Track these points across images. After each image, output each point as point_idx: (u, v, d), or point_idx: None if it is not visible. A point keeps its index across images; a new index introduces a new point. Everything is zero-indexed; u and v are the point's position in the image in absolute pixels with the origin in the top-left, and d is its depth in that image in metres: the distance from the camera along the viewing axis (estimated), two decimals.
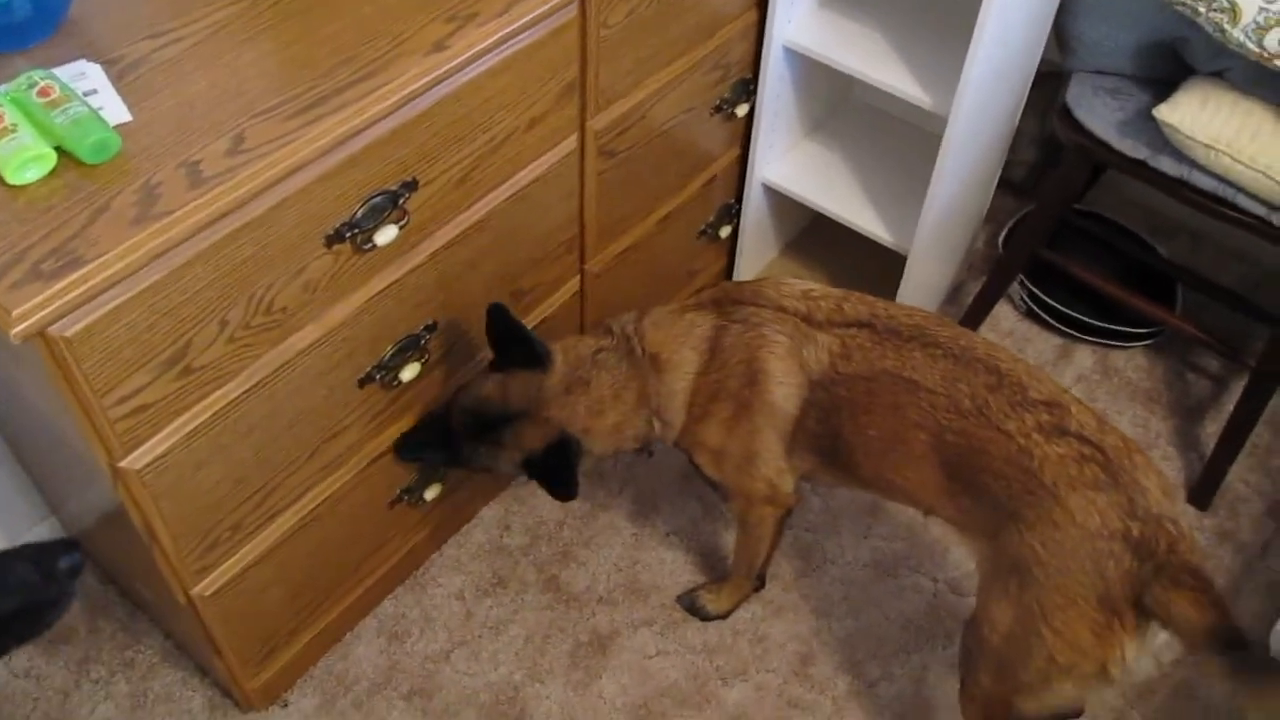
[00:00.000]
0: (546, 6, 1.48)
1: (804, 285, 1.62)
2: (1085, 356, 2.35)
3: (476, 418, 1.61)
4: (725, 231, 2.25)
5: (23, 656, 1.84)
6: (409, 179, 1.44)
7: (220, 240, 1.24)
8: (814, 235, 2.46)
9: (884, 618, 1.95)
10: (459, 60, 1.38)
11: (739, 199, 2.23)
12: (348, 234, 1.39)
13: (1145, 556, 1.35)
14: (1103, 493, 1.37)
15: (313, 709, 1.81)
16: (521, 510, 2.06)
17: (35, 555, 1.10)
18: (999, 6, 1.70)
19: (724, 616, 1.93)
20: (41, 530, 1.93)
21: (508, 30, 1.43)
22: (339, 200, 1.36)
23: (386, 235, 1.43)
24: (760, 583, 1.93)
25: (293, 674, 1.83)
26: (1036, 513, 1.40)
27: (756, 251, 2.36)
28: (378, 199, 1.41)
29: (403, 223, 1.45)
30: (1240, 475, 2.16)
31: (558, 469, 1.57)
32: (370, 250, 1.43)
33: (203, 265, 1.24)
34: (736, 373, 1.58)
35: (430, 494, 1.84)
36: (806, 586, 1.98)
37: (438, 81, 1.38)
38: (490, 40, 1.41)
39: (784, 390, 1.56)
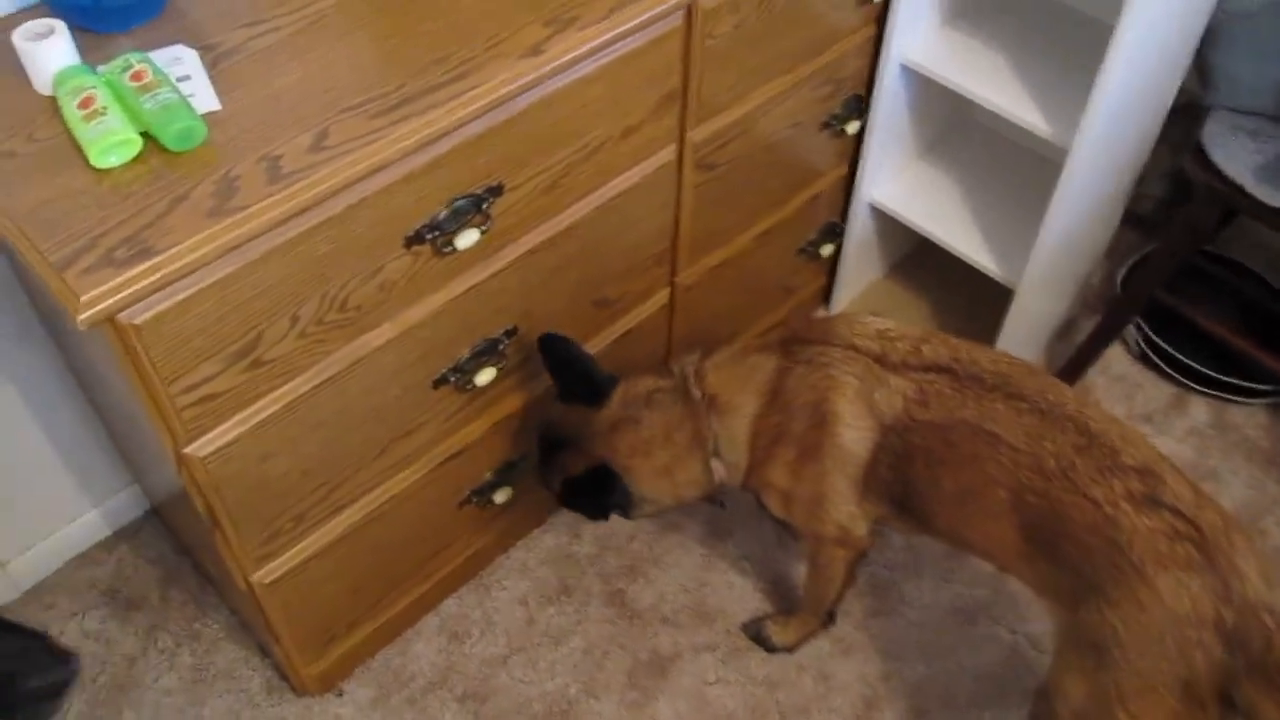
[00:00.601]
0: (650, 14, 1.43)
1: (880, 324, 1.54)
2: (1200, 409, 2.21)
3: (543, 445, 1.66)
4: (827, 250, 2.18)
5: (95, 619, 1.88)
6: (495, 184, 1.41)
7: (295, 237, 1.23)
8: (920, 260, 2.37)
9: (957, 667, 1.86)
10: (553, 66, 1.35)
11: (843, 218, 2.16)
12: (428, 236, 1.37)
13: (1238, 649, 1.24)
14: (1196, 575, 1.27)
15: (367, 701, 1.81)
16: None
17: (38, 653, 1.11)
18: (1134, 35, 1.60)
19: (790, 650, 1.86)
20: (124, 496, 1.96)
21: (607, 37, 1.39)
22: (421, 201, 1.34)
23: (468, 239, 1.41)
24: (830, 619, 1.87)
25: (350, 664, 1.83)
26: (1121, 590, 1.30)
27: (859, 272, 2.28)
28: (461, 202, 1.38)
29: (485, 227, 1.42)
30: None
31: (588, 492, 1.58)
32: (451, 253, 1.41)
33: (277, 260, 1.23)
34: (802, 415, 1.52)
35: (500, 497, 1.82)
36: (879, 627, 1.91)
37: (530, 87, 1.34)
38: (588, 46, 1.37)
39: (853, 434, 1.49)
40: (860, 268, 2.28)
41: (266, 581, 1.54)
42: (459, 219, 1.39)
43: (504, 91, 1.32)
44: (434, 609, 1.91)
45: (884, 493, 1.53)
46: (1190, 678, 1.26)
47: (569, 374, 1.60)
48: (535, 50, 1.35)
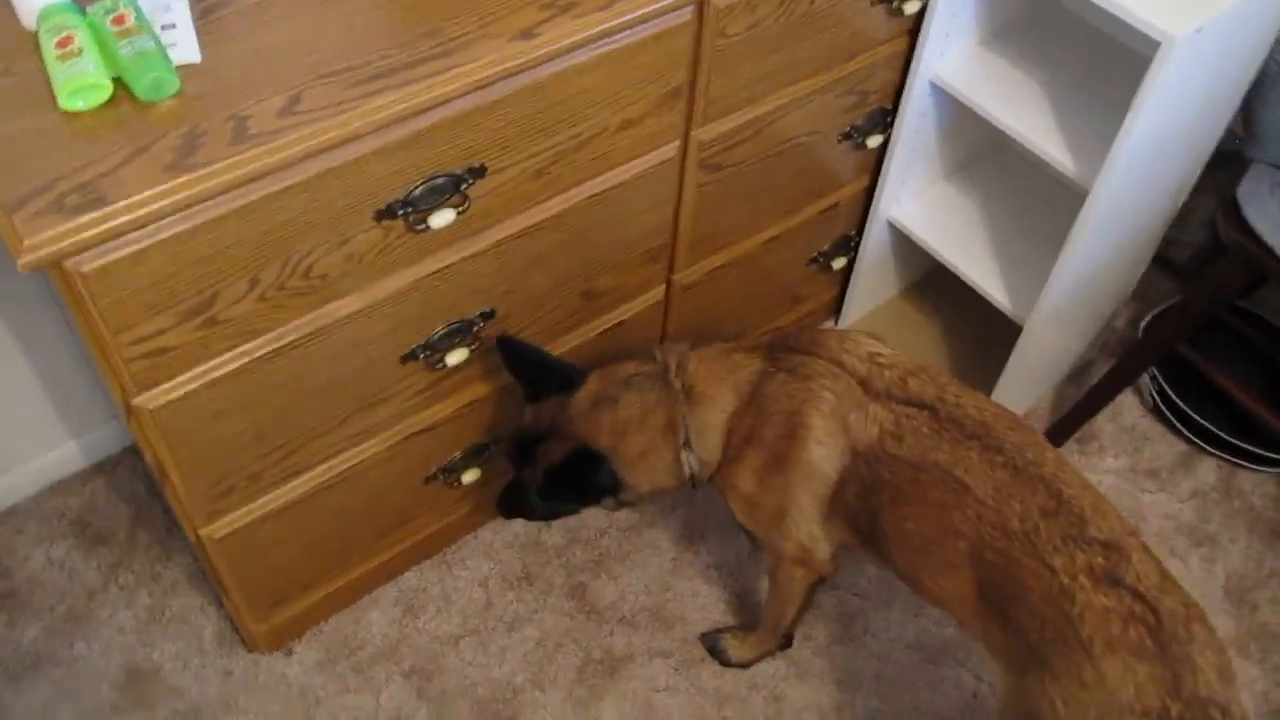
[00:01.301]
0: (655, 7, 1.38)
1: (874, 347, 1.49)
2: (1209, 470, 2.13)
3: (519, 448, 1.62)
4: (840, 263, 2.12)
5: (62, 548, 1.89)
6: (477, 165, 1.37)
7: (257, 200, 1.20)
8: (937, 283, 2.30)
9: (914, 707, 1.82)
10: (543, 52, 1.31)
11: (860, 232, 2.10)
12: (400, 211, 1.34)
13: None
14: (1145, 662, 1.22)
15: (314, 663, 1.81)
16: None
17: None
18: (1173, 75, 1.51)
19: (745, 666, 1.83)
20: (105, 431, 1.98)
21: (606, 27, 1.35)
22: (395, 176, 1.31)
23: (443, 219, 1.38)
24: (787, 642, 1.83)
25: (302, 625, 1.83)
26: (1064, 665, 1.25)
27: (872, 289, 2.23)
28: (440, 180, 1.35)
29: (463, 208, 1.39)
30: None
31: (571, 479, 1.55)
32: (424, 231, 1.38)
33: (236, 222, 1.21)
34: (775, 422, 1.48)
35: (469, 477, 1.80)
36: (839, 655, 1.86)
37: (517, 71, 1.30)
38: (582, 35, 1.33)
39: (823, 450, 1.45)
40: (874, 284, 2.22)
41: (216, 537, 1.54)
42: (435, 197, 1.36)
43: (489, 73, 1.28)
44: (394, 580, 1.90)
45: (850, 520, 1.49)
46: None
47: (534, 370, 1.58)
48: (528, 34, 1.31)
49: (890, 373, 1.45)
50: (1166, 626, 1.23)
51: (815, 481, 1.47)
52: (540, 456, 1.58)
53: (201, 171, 1.14)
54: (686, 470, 1.55)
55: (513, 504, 1.68)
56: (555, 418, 1.58)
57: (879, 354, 1.48)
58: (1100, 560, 1.27)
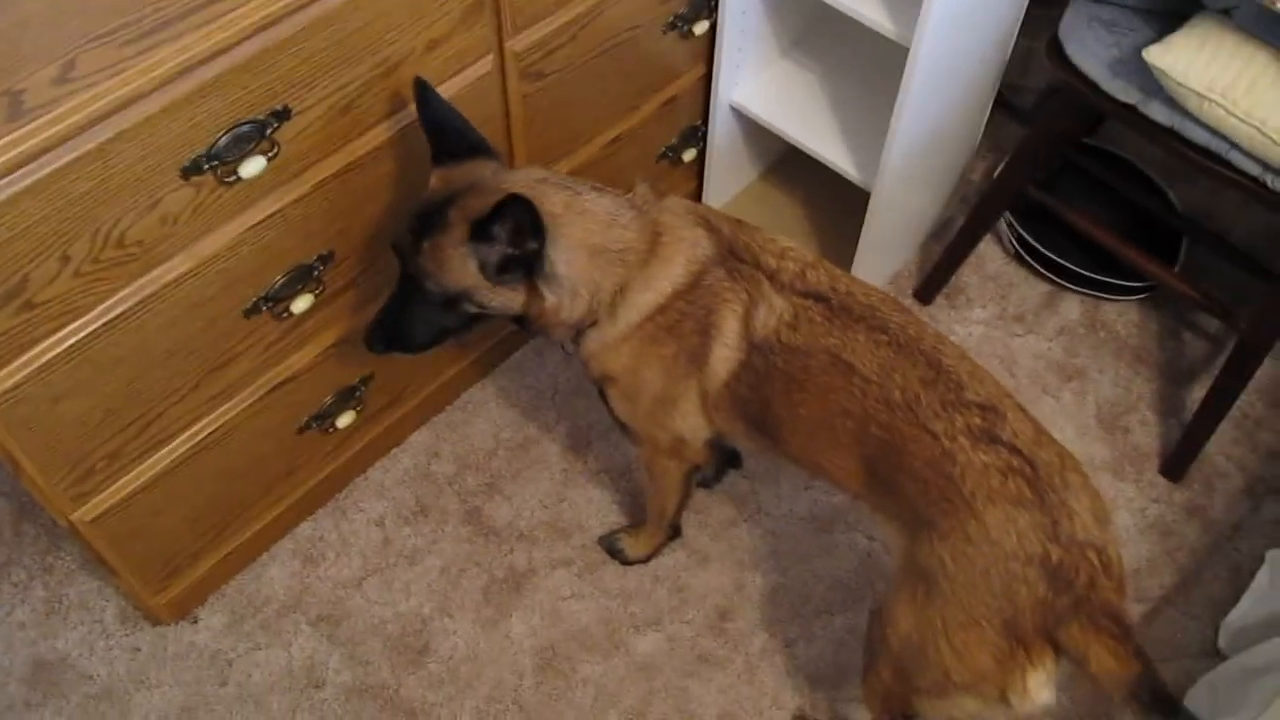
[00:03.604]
0: None
1: (786, 243, 1.48)
2: (1073, 306, 2.20)
3: (420, 218, 1.39)
4: (690, 155, 2.12)
5: None
6: (279, 107, 1.34)
7: (47, 176, 1.17)
8: (793, 162, 2.30)
9: (812, 575, 1.88)
10: None
11: (705, 121, 2.09)
12: (207, 166, 1.31)
13: (1062, 587, 1.24)
14: (1025, 511, 1.26)
15: (222, 627, 1.81)
16: (453, 438, 2.01)
17: None
18: None
19: (644, 561, 1.87)
20: None
21: None
22: (193, 130, 1.27)
23: (253, 167, 1.35)
24: (676, 532, 1.87)
25: (204, 591, 1.83)
26: (950, 523, 1.29)
27: (729, 176, 2.23)
28: (244, 128, 1.32)
29: (272, 154, 1.36)
30: (1222, 448, 2.02)
31: (507, 217, 1.32)
32: (236, 182, 1.35)
33: (29, 201, 1.17)
34: (697, 317, 1.45)
35: (344, 421, 1.80)
36: (735, 536, 1.91)
37: (301, 5, 1.27)
38: None
39: (725, 353, 1.45)
40: (730, 172, 2.22)
41: (88, 519, 1.53)
42: (241, 146, 1.33)
43: (272, 9, 1.25)
44: (289, 533, 1.90)
45: (740, 411, 1.51)
46: (1013, 614, 1.26)
47: (447, 127, 1.43)
48: None
49: (794, 265, 1.45)
50: (1043, 476, 1.28)
51: (708, 380, 1.48)
52: (454, 219, 1.37)
53: None
54: (595, 315, 1.46)
55: (390, 328, 1.48)
56: (478, 179, 1.40)
57: (789, 248, 1.48)
58: (978, 421, 1.31)
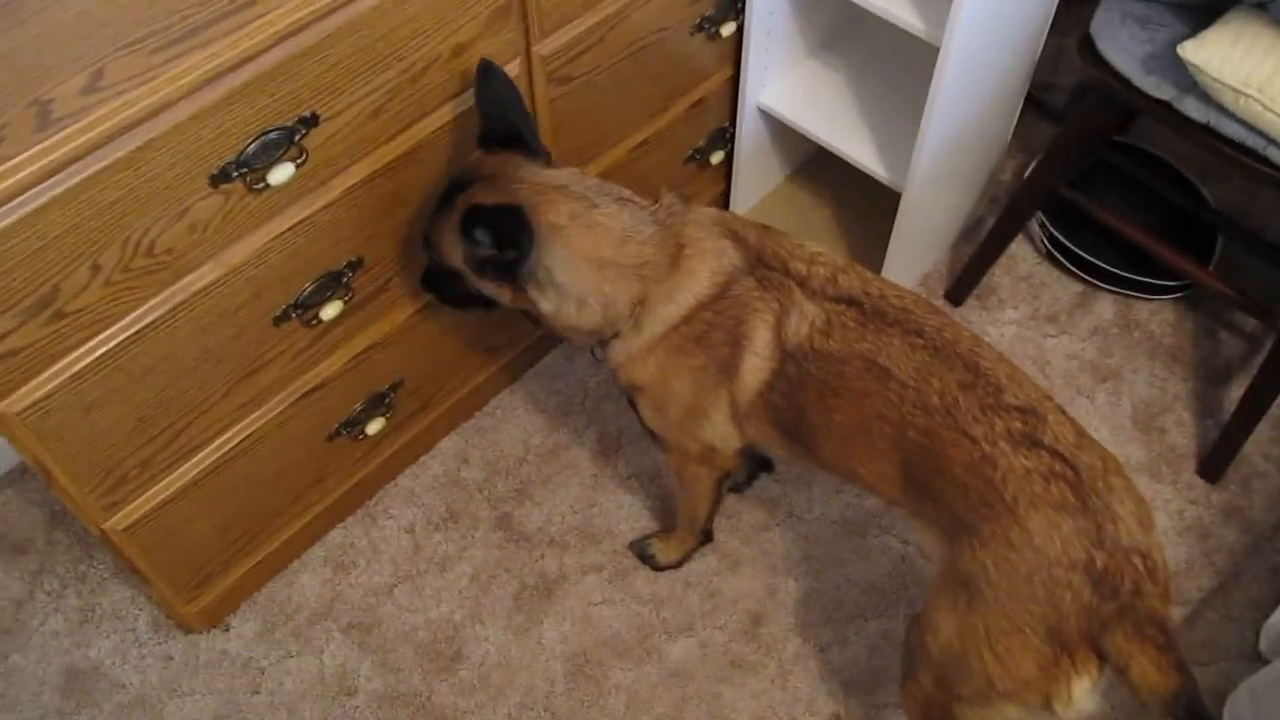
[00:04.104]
0: None
1: (815, 248, 1.47)
2: (1106, 306, 2.17)
3: (448, 187, 1.45)
4: (718, 157, 2.11)
5: None
6: (307, 114, 1.34)
7: (77, 185, 1.17)
8: (822, 163, 2.29)
9: (845, 579, 1.86)
10: None
11: (733, 123, 2.08)
12: (235, 173, 1.31)
13: (1107, 593, 1.22)
14: (1068, 516, 1.24)
15: (253, 635, 1.81)
16: (482, 443, 2.00)
17: None
18: None
19: (675, 567, 1.86)
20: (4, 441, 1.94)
21: None
22: (222, 138, 1.27)
23: (282, 174, 1.35)
24: (707, 537, 1.85)
25: (235, 599, 1.83)
26: (992, 528, 1.27)
27: (757, 178, 2.22)
28: (272, 135, 1.32)
29: (300, 160, 1.36)
30: (1260, 448, 1.99)
31: (491, 223, 1.36)
32: (265, 189, 1.35)
33: (59, 211, 1.17)
34: (727, 327, 1.44)
35: (373, 428, 1.79)
36: (767, 541, 1.90)
37: (328, 11, 1.27)
38: None
39: (756, 363, 1.44)
40: (757, 173, 2.21)
41: (120, 528, 1.53)
42: (270, 153, 1.33)
43: (299, 16, 1.25)
44: (319, 540, 1.90)
45: (774, 419, 1.49)
46: (1057, 620, 1.24)
47: (501, 116, 1.44)
48: None
49: (824, 270, 1.43)
50: (1086, 480, 1.25)
51: (739, 390, 1.47)
52: (458, 204, 1.41)
53: (9, 164, 1.11)
54: (616, 326, 1.46)
55: (429, 276, 1.57)
56: (503, 170, 1.42)
57: (819, 253, 1.46)
58: (1018, 425, 1.29)
